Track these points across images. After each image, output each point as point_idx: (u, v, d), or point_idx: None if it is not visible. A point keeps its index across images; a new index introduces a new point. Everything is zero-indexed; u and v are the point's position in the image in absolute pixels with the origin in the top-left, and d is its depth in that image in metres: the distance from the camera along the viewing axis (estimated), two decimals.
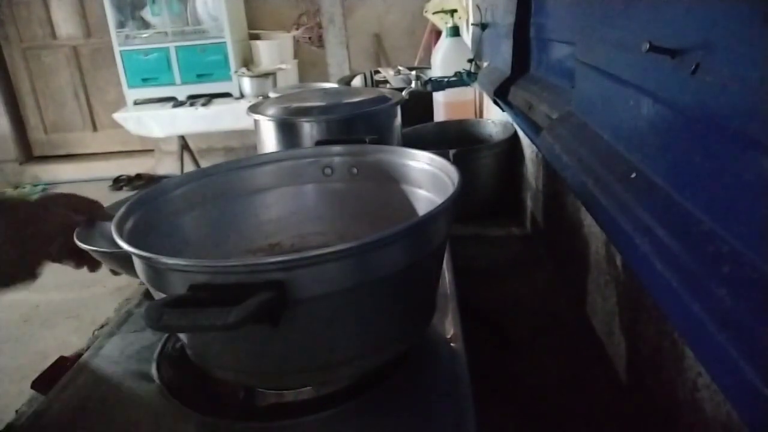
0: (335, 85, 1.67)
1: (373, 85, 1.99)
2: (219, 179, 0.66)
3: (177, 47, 3.06)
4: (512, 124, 1.30)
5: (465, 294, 0.67)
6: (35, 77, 3.89)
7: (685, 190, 0.37)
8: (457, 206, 0.50)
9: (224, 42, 3.04)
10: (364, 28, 3.58)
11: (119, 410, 0.52)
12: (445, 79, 1.48)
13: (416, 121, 1.46)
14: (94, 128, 4.03)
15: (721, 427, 0.44)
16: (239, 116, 2.38)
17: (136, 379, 0.56)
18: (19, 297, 2.18)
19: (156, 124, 2.95)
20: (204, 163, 3.24)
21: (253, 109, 0.94)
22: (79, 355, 0.67)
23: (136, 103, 3.13)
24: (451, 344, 0.58)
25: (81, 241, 0.61)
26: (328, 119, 0.87)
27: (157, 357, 0.58)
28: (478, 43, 1.46)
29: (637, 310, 0.62)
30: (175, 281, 0.43)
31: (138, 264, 0.48)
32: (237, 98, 3.06)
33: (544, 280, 0.99)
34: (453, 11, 1.73)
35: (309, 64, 3.61)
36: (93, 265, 0.64)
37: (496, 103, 1.11)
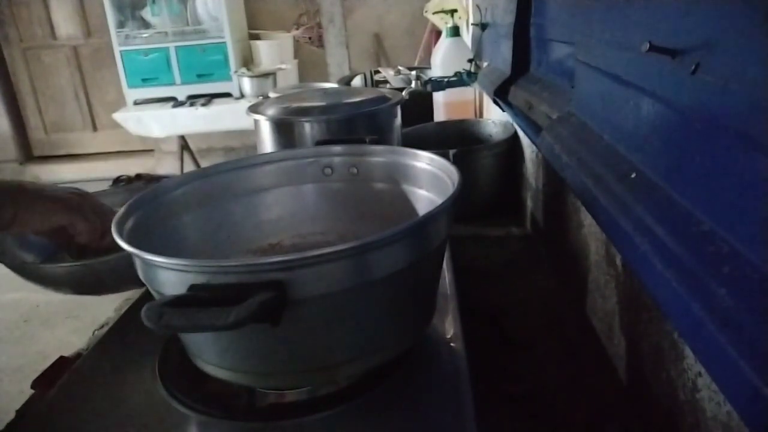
0: (335, 85, 1.67)
1: (373, 85, 1.99)
2: (219, 179, 0.66)
3: (177, 47, 3.05)
4: (512, 124, 1.30)
5: (465, 294, 0.67)
6: (35, 77, 3.89)
7: (685, 190, 0.37)
8: (456, 206, 0.50)
9: (224, 42, 3.04)
10: (364, 28, 3.58)
11: (119, 410, 0.52)
12: (445, 79, 1.48)
13: (416, 121, 1.46)
14: (94, 128, 4.03)
15: (721, 427, 0.44)
16: (239, 116, 2.38)
17: (136, 379, 0.56)
18: (19, 297, 2.18)
19: (156, 124, 2.95)
20: (204, 163, 3.24)
21: (253, 109, 0.94)
22: (79, 355, 0.67)
23: (136, 103, 3.12)
24: (451, 344, 0.57)
25: None
26: (328, 119, 0.87)
27: (158, 357, 0.58)
28: (478, 43, 1.46)
29: (637, 310, 0.62)
30: (175, 281, 0.43)
31: (138, 264, 0.48)
32: (237, 98, 3.06)
33: (544, 280, 0.99)
34: (453, 11, 1.73)
35: (309, 64, 3.61)
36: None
37: (496, 103, 1.11)
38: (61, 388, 0.56)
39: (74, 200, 0.65)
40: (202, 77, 3.09)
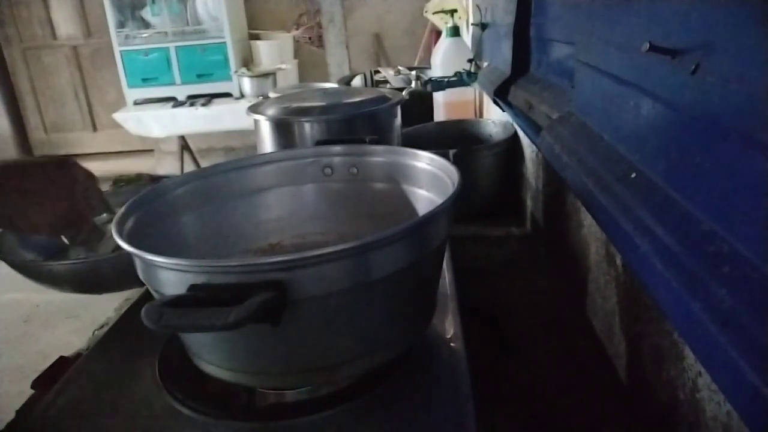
0: (335, 85, 1.67)
1: (373, 85, 1.99)
2: (219, 179, 0.66)
3: (177, 47, 3.05)
4: (512, 124, 1.30)
5: (465, 294, 0.67)
6: (35, 77, 3.89)
7: (685, 190, 0.37)
8: (456, 206, 0.50)
9: (224, 42, 3.04)
10: (364, 28, 3.58)
11: (119, 410, 0.52)
12: (445, 79, 1.48)
13: (416, 121, 1.46)
14: (94, 128, 4.03)
15: (721, 427, 0.44)
16: (239, 116, 2.38)
17: (136, 379, 0.56)
18: (19, 297, 2.18)
19: (156, 124, 2.95)
20: (204, 163, 3.24)
21: (253, 109, 0.94)
22: (79, 355, 0.67)
23: (136, 103, 3.12)
24: (451, 344, 0.57)
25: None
26: (328, 119, 0.87)
27: (158, 357, 0.58)
28: (478, 43, 1.46)
29: (637, 310, 0.62)
30: (174, 281, 0.43)
31: (138, 264, 0.48)
32: (237, 98, 3.06)
33: (544, 280, 0.99)
34: (453, 11, 1.73)
35: (309, 64, 3.61)
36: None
37: (496, 103, 1.11)
38: (61, 388, 0.56)
39: (55, 177, 0.62)
40: (202, 77, 3.09)
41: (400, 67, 2.05)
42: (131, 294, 0.78)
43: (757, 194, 0.29)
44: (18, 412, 0.60)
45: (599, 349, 0.76)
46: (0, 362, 1.92)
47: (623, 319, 0.68)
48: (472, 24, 1.58)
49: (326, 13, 3.54)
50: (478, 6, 1.45)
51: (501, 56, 1.09)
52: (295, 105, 0.92)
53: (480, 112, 1.73)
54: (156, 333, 0.53)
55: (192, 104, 2.98)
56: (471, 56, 1.51)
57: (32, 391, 0.65)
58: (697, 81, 0.34)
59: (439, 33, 2.03)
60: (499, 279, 1.01)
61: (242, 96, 3.05)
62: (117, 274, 0.67)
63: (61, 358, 0.69)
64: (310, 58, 3.64)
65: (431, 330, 0.58)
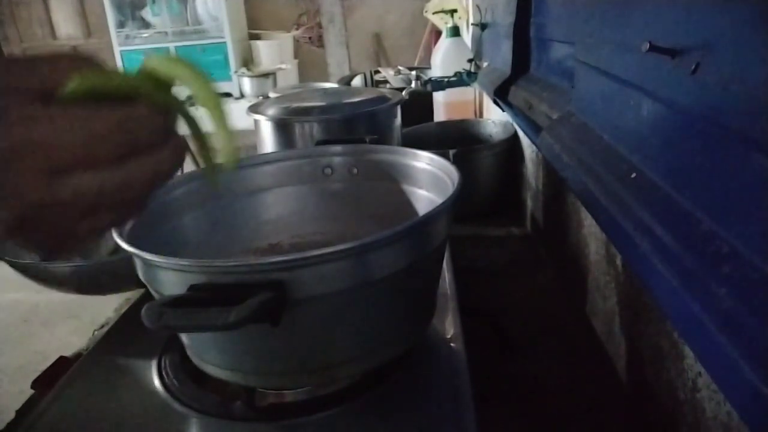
0: (335, 85, 1.67)
1: (373, 85, 1.99)
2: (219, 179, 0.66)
3: (177, 47, 3.06)
4: (512, 124, 1.30)
5: (465, 294, 0.67)
6: None
7: (685, 190, 0.37)
8: (456, 206, 0.50)
9: (224, 42, 3.05)
10: (364, 28, 3.58)
11: (119, 410, 0.52)
12: (445, 79, 1.48)
13: (416, 121, 1.46)
14: None
15: (721, 427, 0.44)
16: (239, 116, 2.39)
17: (136, 379, 0.56)
18: (19, 297, 2.18)
19: None
20: None
21: (253, 109, 0.94)
22: (79, 355, 0.67)
23: None
24: (451, 344, 0.57)
25: None
26: (328, 119, 0.87)
27: (158, 357, 0.58)
28: (478, 43, 1.46)
29: (637, 310, 0.62)
30: (175, 281, 0.43)
31: (138, 264, 0.48)
32: (237, 98, 3.06)
33: (544, 280, 0.99)
34: (453, 11, 1.73)
35: (309, 64, 3.62)
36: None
37: (496, 103, 1.11)
38: (61, 388, 0.56)
39: None
40: None
41: (400, 67, 2.05)
42: (131, 294, 0.78)
43: (757, 194, 0.29)
44: (18, 412, 0.60)
45: (599, 349, 0.76)
46: (0, 362, 1.92)
47: (623, 319, 0.68)
48: (472, 24, 1.58)
49: (326, 13, 3.54)
50: (478, 6, 1.45)
51: (501, 56, 1.09)
52: (295, 105, 0.92)
53: (480, 112, 1.73)
54: (156, 333, 0.54)
55: (192, 104, 2.98)
56: (471, 56, 1.51)
57: (32, 391, 0.65)
58: (697, 81, 0.34)
59: (439, 33, 2.03)
60: (499, 279, 1.01)
61: (242, 96, 3.05)
62: (118, 276, 0.67)
63: (61, 358, 0.69)
64: (310, 58, 3.64)
65: (431, 330, 0.58)
